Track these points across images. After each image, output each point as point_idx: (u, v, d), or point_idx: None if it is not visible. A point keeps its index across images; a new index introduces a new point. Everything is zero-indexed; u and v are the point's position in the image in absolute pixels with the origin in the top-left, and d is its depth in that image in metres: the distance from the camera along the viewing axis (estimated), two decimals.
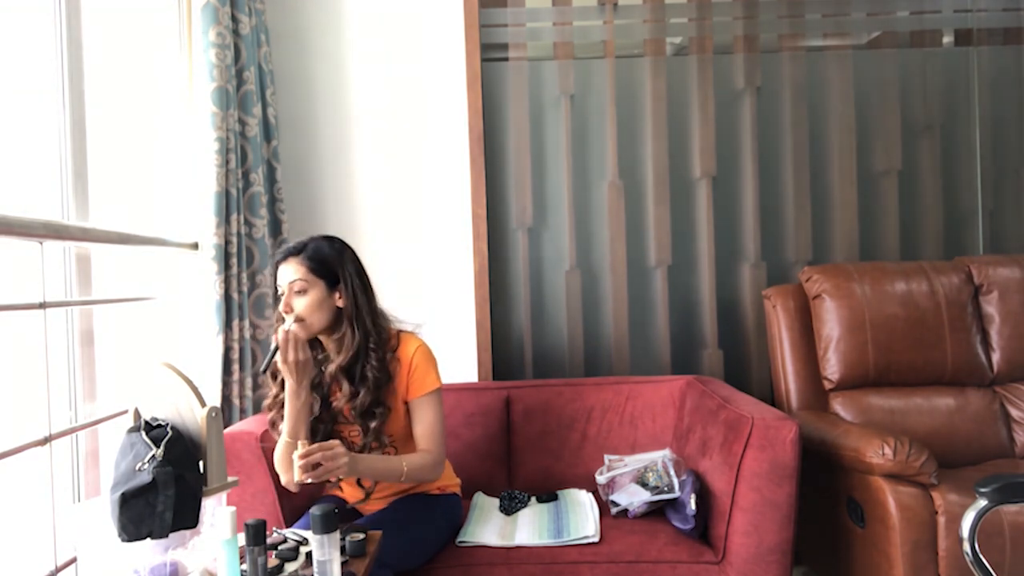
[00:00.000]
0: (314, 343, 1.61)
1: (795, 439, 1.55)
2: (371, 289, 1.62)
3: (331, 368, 1.56)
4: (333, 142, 2.41)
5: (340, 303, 1.56)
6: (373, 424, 1.55)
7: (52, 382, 1.38)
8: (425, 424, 1.60)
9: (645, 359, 2.46)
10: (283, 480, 1.55)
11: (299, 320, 1.51)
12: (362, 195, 2.41)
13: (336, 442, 1.39)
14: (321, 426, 1.59)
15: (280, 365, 1.48)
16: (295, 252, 1.55)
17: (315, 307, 1.52)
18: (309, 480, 1.36)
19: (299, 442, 1.38)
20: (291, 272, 1.53)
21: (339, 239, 1.62)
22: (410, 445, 1.64)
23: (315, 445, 1.37)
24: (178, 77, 1.94)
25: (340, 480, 1.64)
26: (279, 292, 1.56)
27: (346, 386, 1.55)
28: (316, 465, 1.35)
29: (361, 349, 1.55)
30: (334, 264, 1.56)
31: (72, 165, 1.49)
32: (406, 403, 1.62)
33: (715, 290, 2.45)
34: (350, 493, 1.69)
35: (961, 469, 1.92)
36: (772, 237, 2.46)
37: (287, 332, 1.48)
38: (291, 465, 1.47)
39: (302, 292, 1.52)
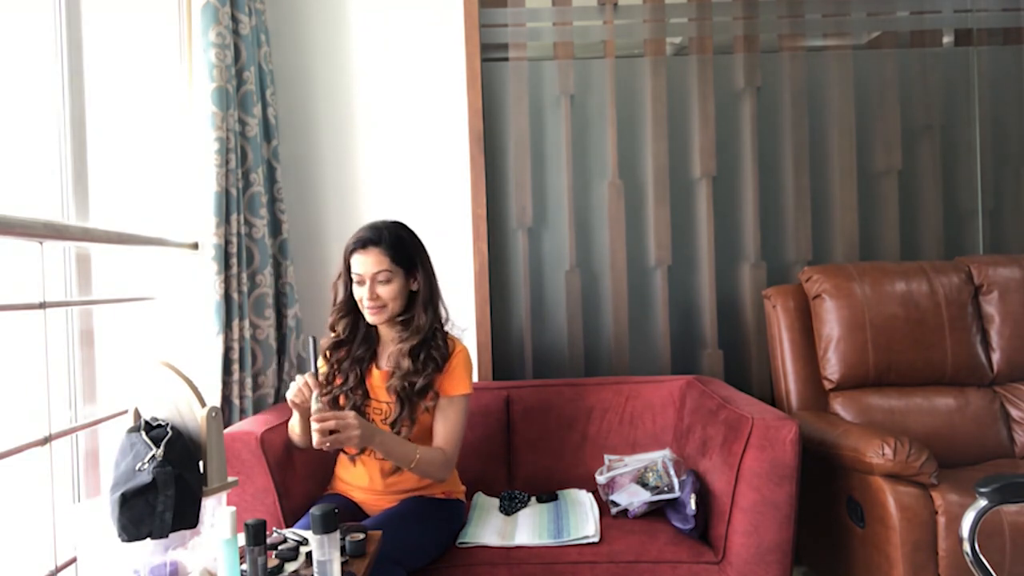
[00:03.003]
0: (369, 329, 1.69)
1: (795, 439, 1.55)
2: (436, 275, 1.69)
3: (397, 348, 1.62)
4: (333, 142, 2.41)
5: (414, 287, 1.64)
6: (424, 403, 1.61)
7: (52, 382, 1.38)
8: (447, 425, 1.64)
9: (645, 359, 2.46)
10: (297, 441, 1.64)
11: (381, 307, 1.60)
12: (362, 195, 2.41)
13: (351, 412, 1.44)
14: (352, 398, 1.65)
15: (320, 439, 1.43)
16: (375, 241, 1.59)
17: (396, 294, 1.60)
18: (327, 446, 1.40)
19: (315, 400, 1.41)
20: (374, 263, 1.58)
21: (407, 225, 1.69)
22: (426, 441, 1.66)
23: (330, 412, 1.41)
24: (178, 77, 1.94)
25: (358, 454, 1.68)
26: (357, 280, 1.61)
27: (408, 364, 1.60)
28: (331, 432, 1.39)
29: (430, 332, 1.63)
30: (412, 251, 1.64)
31: (72, 165, 1.49)
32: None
33: (715, 290, 2.45)
34: (360, 484, 1.69)
35: (961, 469, 1.92)
36: (772, 237, 2.46)
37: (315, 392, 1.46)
38: (305, 429, 1.57)
39: (387, 281, 1.59)
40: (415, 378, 1.59)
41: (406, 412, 1.60)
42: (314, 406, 1.41)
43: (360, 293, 1.61)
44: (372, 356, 1.70)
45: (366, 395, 1.66)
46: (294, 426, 1.63)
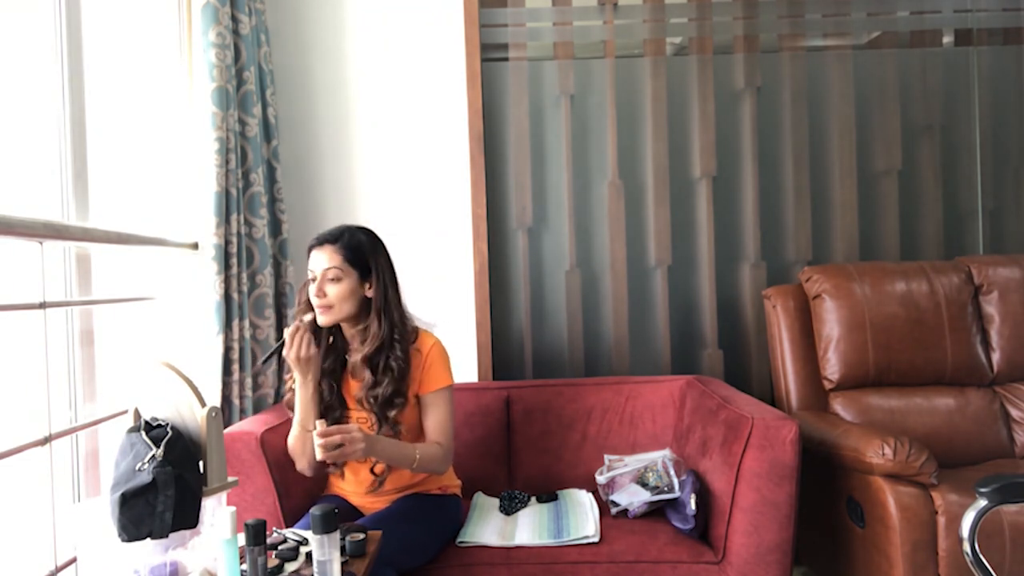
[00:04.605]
0: (335, 331, 1.67)
1: (795, 439, 1.55)
2: (398, 283, 1.66)
3: (355, 358, 1.61)
4: (333, 142, 2.41)
5: (369, 293, 1.61)
6: (392, 413, 1.59)
7: (52, 382, 1.38)
8: (437, 418, 1.64)
9: (645, 359, 2.46)
10: (298, 466, 1.62)
11: (328, 307, 1.56)
12: (362, 195, 2.41)
13: (355, 425, 1.45)
14: (332, 413, 1.63)
15: (288, 360, 1.55)
16: (331, 239, 1.59)
17: (346, 296, 1.57)
18: (329, 461, 1.42)
19: (317, 422, 1.42)
20: (325, 259, 1.57)
21: (372, 231, 1.67)
22: (419, 439, 1.67)
23: (334, 427, 1.41)
24: (178, 77, 1.94)
25: (342, 466, 1.67)
26: (311, 277, 1.59)
27: (368, 375, 1.59)
28: (336, 446, 1.40)
29: (386, 340, 1.59)
30: (368, 255, 1.60)
31: (72, 165, 1.49)
32: (417, 397, 1.65)
33: (715, 290, 2.45)
34: (353, 490, 1.69)
35: (961, 469, 1.92)
36: (772, 237, 2.46)
37: (296, 327, 1.55)
38: (304, 451, 1.57)
39: (336, 280, 1.57)
40: (377, 390, 1.58)
41: (385, 424, 1.59)
42: (317, 430, 1.40)
43: (311, 291, 1.58)
44: (343, 365, 1.67)
45: (345, 406, 1.65)
46: (295, 446, 1.60)
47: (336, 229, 1.62)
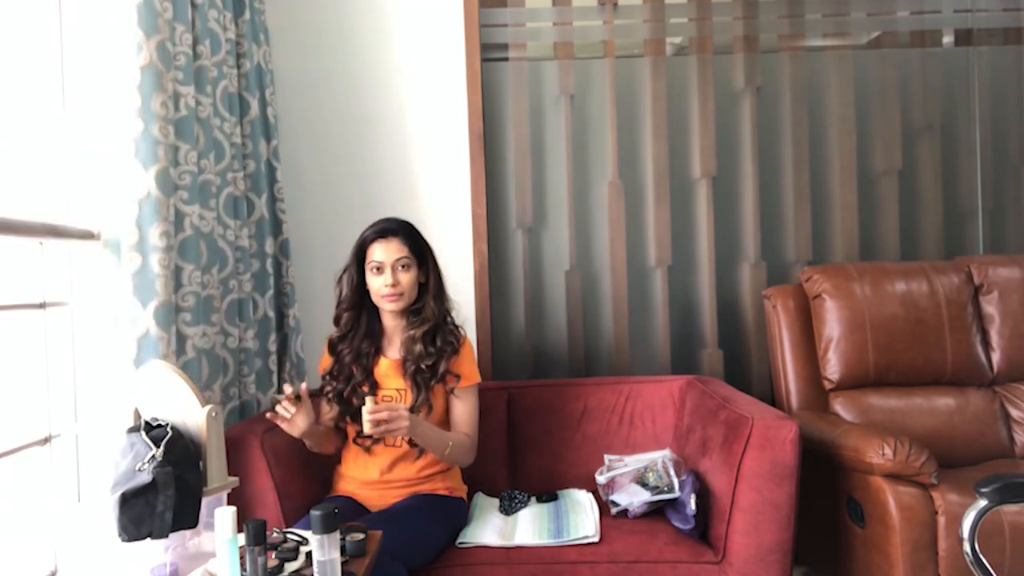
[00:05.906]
0: (371, 315, 1.75)
1: (795, 439, 1.55)
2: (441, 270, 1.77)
3: (414, 334, 1.69)
4: (333, 142, 2.41)
5: (422, 279, 1.72)
6: (443, 387, 1.69)
7: (52, 382, 1.38)
8: (466, 412, 1.73)
9: (645, 359, 2.46)
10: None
11: (400, 295, 1.66)
12: (362, 195, 2.40)
13: (402, 404, 1.53)
14: (362, 390, 1.69)
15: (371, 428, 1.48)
16: (395, 231, 1.69)
17: (414, 282, 1.69)
18: (376, 435, 1.53)
19: (367, 398, 1.49)
20: (396, 250, 1.67)
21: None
22: (439, 427, 1.72)
23: (383, 404, 1.49)
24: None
25: (374, 443, 1.70)
26: (372, 266, 1.67)
27: (420, 348, 1.68)
28: (380, 422, 1.46)
29: (440, 321, 1.72)
30: (423, 244, 1.74)
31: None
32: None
33: (715, 290, 2.45)
34: (361, 483, 1.71)
35: (961, 469, 1.92)
36: (772, 237, 2.46)
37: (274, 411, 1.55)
38: (315, 444, 1.66)
39: (406, 268, 1.67)
40: (430, 360, 1.67)
41: (423, 396, 1.66)
42: (368, 406, 1.46)
43: (379, 282, 1.67)
44: (377, 348, 1.75)
45: (375, 385, 1.72)
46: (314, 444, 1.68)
47: (395, 221, 1.72)
